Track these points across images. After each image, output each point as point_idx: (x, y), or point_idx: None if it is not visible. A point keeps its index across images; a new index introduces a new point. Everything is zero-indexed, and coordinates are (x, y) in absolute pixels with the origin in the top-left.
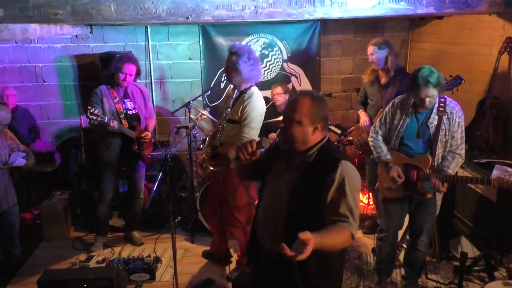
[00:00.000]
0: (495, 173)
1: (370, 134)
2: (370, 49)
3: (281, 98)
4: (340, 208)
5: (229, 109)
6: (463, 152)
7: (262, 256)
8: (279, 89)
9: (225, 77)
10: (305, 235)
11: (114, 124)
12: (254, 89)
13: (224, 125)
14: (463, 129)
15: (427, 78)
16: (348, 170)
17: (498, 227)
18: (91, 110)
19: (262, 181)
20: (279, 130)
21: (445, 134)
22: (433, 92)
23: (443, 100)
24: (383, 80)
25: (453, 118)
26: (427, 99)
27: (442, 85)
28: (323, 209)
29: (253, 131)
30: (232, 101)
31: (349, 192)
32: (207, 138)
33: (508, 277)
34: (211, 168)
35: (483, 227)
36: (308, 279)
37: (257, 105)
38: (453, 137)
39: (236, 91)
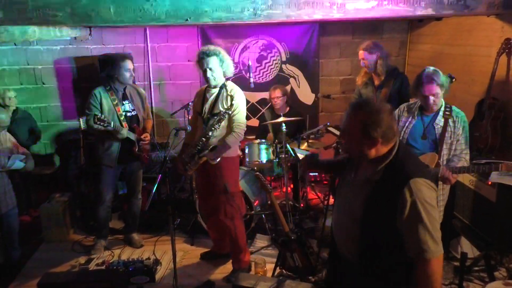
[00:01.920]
0: (494, 173)
1: None
2: (361, 54)
3: (279, 101)
4: (418, 234)
5: (218, 104)
6: (467, 157)
7: (340, 264)
8: (278, 92)
9: (208, 80)
10: None
11: (123, 132)
12: (229, 81)
13: (222, 120)
14: (468, 135)
15: (431, 76)
16: (420, 190)
17: (498, 227)
18: (98, 116)
19: (338, 185)
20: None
21: (450, 136)
22: (437, 90)
23: (449, 106)
24: (377, 82)
25: (458, 122)
26: (431, 98)
27: (446, 87)
28: (396, 230)
29: (243, 117)
30: (213, 97)
31: (424, 215)
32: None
33: (508, 277)
34: (214, 162)
35: (483, 227)
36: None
37: (241, 94)
38: (458, 141)
39: (216, 88)
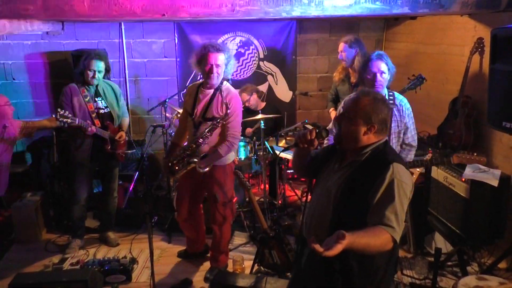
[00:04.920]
0: (467, 170)
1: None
2: (341, 46)
3: (252, 101)
4: (385, 210)
5: (212, 108)
6: (416, 142)
7: (305, 255)
8: (244, 97)
9: (211, 79)
10: (342, 233)
11: (93, 129)
12: (226, 84)
13: (215, 129)
14: (413, 120)
15: (380, 54)
16: (399, 173)
17: (471, 223)
18: (61, 113)
19: (316, 180)
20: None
21: (398, 125)
22: (384, 68)
23: (392, 94)
24: (353, 79)
25: (403, 110)
26: (378, 75)
27: (392, 71)
28: (367, 208)
29: (239, 125)
30: (207, 100)
31: (397, 196)
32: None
33: (480, 271)
34: (204, 170)
35: (456, 223)
36: (349, 281)
37: (237, 100)
38: (407, 128)
39: (211, 89)
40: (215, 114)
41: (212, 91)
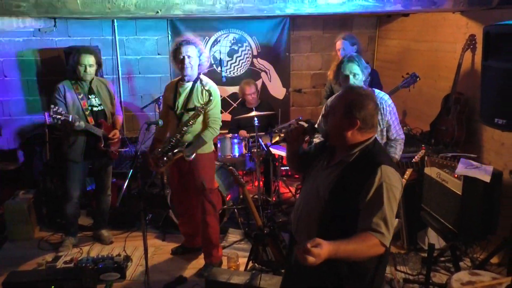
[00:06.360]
0: (460, 166)
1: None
2: (341, 44)
3: (255, 96)
4: (373, 216)
5: (193, 99)
6: (403, 136)
7: (294, 253)
8: (253, 88)
9: (185, 69)
10: (315, 241)
11: (81, 124)
12: (203, 76)
13: (198, 116)
14: (397, 115)
15: (351, 56)
16: (388, 176)
17: (464, 219)
18: (54, 109)
19: (305, 177)
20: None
21: (380, 124)
22: (356, 70)
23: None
24: None
25: (383, 108)
26: (350, 77)
27: (366, 70)
28: (356, 210)
29: (219, 112)
30: (187, 92)
31: (386, 200)
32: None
33: (472, 267)
34: (189, 159)
35: (449, 219)
36: (339, 283)
37: (216, 89)
38: (391, 125)
39: (189, 82)
40: (196, 103)
41: (191, 83)
